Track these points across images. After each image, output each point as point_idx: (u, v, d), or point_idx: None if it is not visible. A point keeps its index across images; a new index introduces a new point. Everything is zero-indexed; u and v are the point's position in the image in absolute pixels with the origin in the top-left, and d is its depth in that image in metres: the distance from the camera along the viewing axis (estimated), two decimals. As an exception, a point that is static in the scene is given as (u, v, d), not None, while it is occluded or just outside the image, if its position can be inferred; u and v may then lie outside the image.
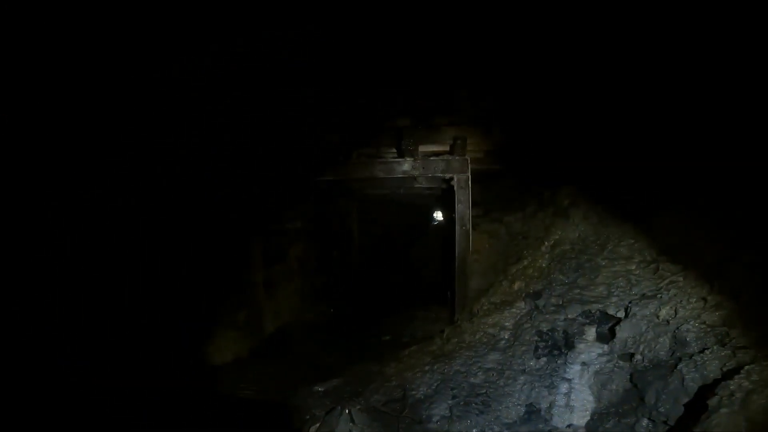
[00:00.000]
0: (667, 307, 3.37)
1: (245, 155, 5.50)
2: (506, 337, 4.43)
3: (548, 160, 5.56)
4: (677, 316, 3.27)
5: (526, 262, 4.95)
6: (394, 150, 5.50)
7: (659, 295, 3.55)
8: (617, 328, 3.68)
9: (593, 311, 3.99)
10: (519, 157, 5.97)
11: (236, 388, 4.86)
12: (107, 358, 4.20)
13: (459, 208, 5.28)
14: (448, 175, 5.30)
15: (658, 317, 3.40)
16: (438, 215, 10.51)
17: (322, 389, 4.64)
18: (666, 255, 3.88)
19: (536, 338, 4.14)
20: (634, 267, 4.07)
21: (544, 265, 4.73)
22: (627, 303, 3.76)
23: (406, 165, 5.42)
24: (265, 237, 6.38)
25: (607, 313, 3.92)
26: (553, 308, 4.26)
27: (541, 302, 4.38)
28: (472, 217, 6.74)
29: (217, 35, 3.30)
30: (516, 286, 4.83)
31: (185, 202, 5.26)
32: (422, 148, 5.65)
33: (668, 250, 3.90)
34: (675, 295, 3.43)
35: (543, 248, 4.86)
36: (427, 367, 4.55)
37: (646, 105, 4.25)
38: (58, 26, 2.80)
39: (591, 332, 3.89)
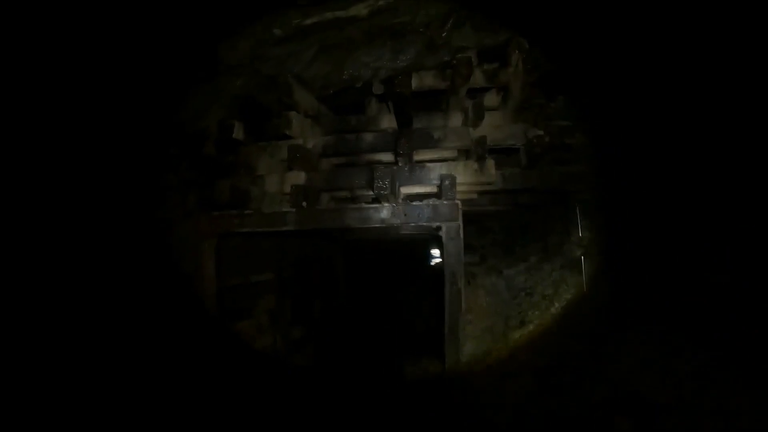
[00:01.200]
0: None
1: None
2: (505, 422, 3.44)
3: (553, 197, 4.70)
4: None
5: (531, 327, 4.00)
6: (371, 192, 4.65)
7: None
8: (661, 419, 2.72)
9: (623, 395, 3.03)
10: (517, 195, 5.12)
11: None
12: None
13: (449, 262, 4.36)
14: (435, 224, 4.41)
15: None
16: (433, 256, 9.61)
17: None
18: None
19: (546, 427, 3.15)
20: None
21: (554, 331, 3.79)
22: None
23: (385, 212, 4.53)
24: (224, 290, 5.43)
25: (645, 399, 2.96)
26: (568, 388, 3.29)
27: (552, 380, 3.41)
28: (466, 264, 5.82)
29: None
30: (520, 356, 3.87)
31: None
32: (405, 190, 4.80)
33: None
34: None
35: (553, 310, 3.92)
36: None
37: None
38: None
39: (624, 425, 2.92)
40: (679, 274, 3.49)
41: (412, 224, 4.48)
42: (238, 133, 5.10)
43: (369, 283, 10.47)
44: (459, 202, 4.38)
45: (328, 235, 8.66)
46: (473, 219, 6.39)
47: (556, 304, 3.94)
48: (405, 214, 4.47)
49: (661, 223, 3.80)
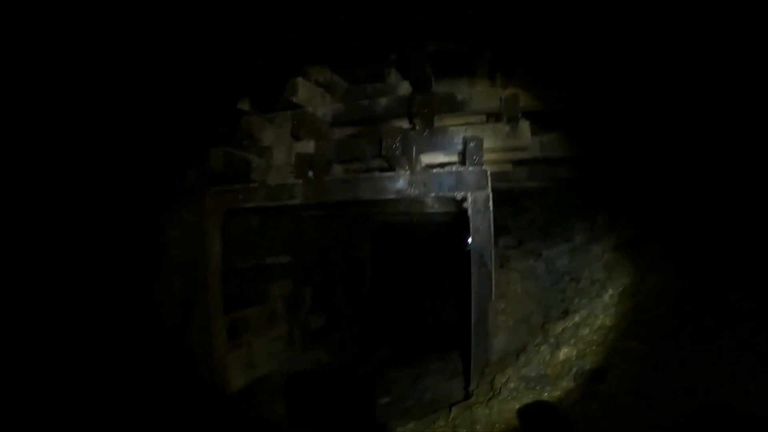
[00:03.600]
0: None
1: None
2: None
3: (604, 170, 3.82)
4: None
5: (577, 318, 3.16)
6: (386, 163, 3.93)
7: None
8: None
9: (706, 408, 2.18)
10: (557, 167, 4.26)
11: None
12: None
13: (476, 240, 3.58)
14: (459, 194, 3.63)
15: None
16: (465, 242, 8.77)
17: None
18: None
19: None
20: None
21: (608, 323, 2.94)
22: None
23: (401, 182, 3.79)
24: (231, 273, 4.85)
25: (735, 411, 2.11)
26: (627, 397, 2.46)
27: (605, 387, 2.59)
28: (501, 248, 4.99)
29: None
30: (562, 354, 3.05)
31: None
32: (425, 159, 4.05)
33: None
34: None
35: (606, 298, 3.07)
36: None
37: None
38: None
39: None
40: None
41: (433, 195, 3.72)
42: (243, 104, 4.53)
43: (396, 270, 9.73)
44: (487, 168, 3.59)
45: (353, 218, 8.00)
46: (509, 198, 5.54)
47: (610, 291, 3.08)
48: (424, 184, 3.71)
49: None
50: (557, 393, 2.79)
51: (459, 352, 6.54)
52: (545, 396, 2.86)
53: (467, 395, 4.16)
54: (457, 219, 6.77)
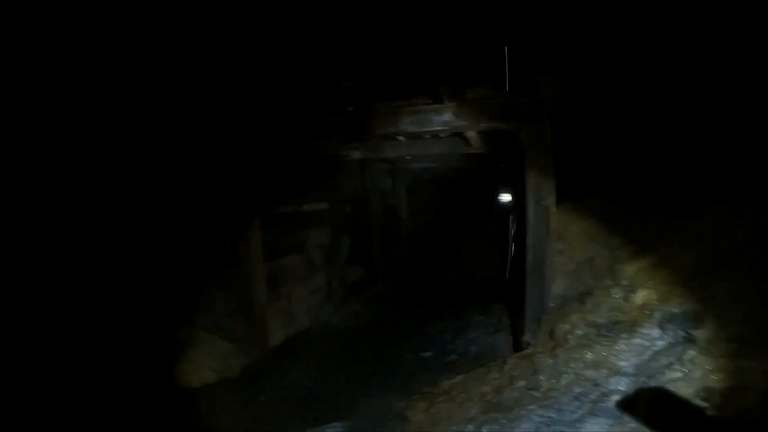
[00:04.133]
0: None
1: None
2: (622, 389, 2.31)
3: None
4: None
5: (655, 257, 2.75)
6: (431, 100, 3.49)
7: None
8: None
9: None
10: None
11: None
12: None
13: (532, 175, 3.17)
14: (512, 125, 3.19)
15: None
16: (504, 194, 8.32)
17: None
18: None
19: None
20: None
21: (694, 261, 2.52)
22: None
23: (447, 114, 3.36)
24: (270, 221, 4.63)
25: None
26: (728, 344, 2.08)
27: (700, 332, 2.21)
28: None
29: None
30: (639, 297, 2.67)
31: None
32: (471, 94, 3.59)
33: None
34: None
35: (690, 232, 2.64)
36: (470, 427, 2.59)
37: None
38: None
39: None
40: None
41: (483, 127, 3.29)
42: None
43: (433, 222, 9.37)
44: (543, 97, 3.12)
45: (390, 169, 7.65)
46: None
47: (693, 225, 2.64)
48: (471, 115, 3.28)
49: None
50: (637, 341, 2.43)
51: (504, 305, 6.24)
52: (620, 345, 2.51)
53: (520, 346, 3.88)
54: (502, 158, 6.27)
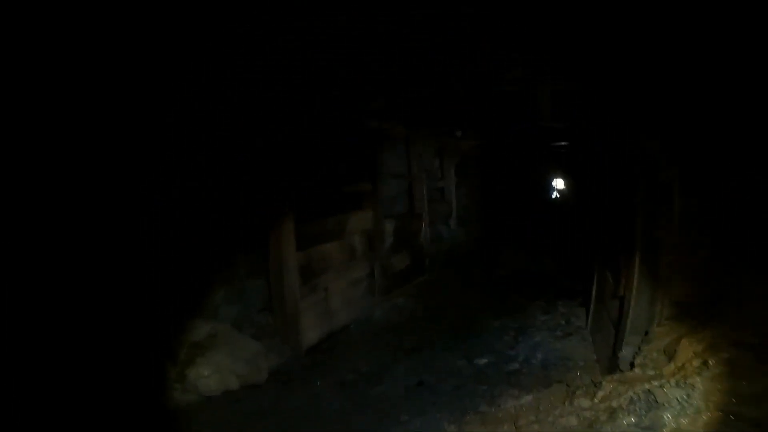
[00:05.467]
0: None
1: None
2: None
3: None
4: None
5: None
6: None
7: None
8: None
9: None
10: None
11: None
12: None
13: (648, 143, 2.29)
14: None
15: None
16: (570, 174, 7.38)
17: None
18: None
19: None
20: None
21: None
22: None
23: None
24: (305, 203, 3.95)
25: None
26: None
27: None
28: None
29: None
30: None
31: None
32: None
33: None
34: None
35: None
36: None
37: None
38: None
39: None
40: None
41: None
42: None
43: (484, 208, 8.45)
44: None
45: (438, 148, 6.82)
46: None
47: None
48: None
49: None
50: None
51: (572, 302, 5.36)
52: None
53: (609, 363, 3.04)
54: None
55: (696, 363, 2.14)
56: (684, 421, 1.95)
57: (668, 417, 2.02)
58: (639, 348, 2.66)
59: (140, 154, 2.90)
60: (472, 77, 3.44)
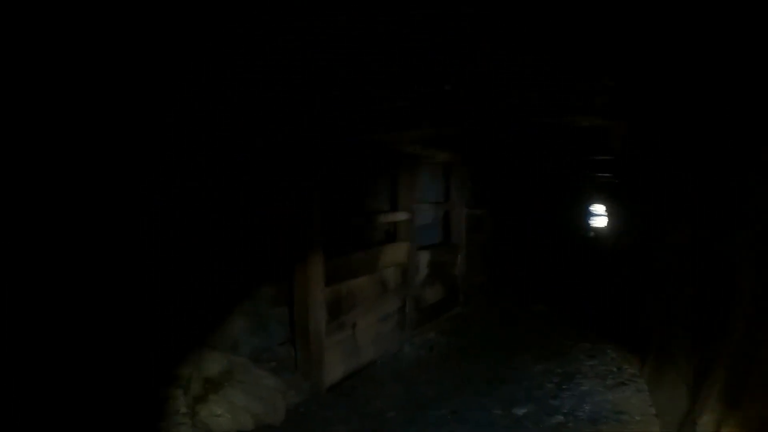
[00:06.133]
0: None
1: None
2: None
3: None
4: None
5: None
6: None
7: None
8: None
9: None
10: None
11: None
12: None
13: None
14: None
15: None
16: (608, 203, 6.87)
17: None
18: None
19: None
20: None
21: None
22: None
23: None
24: (336, 234, 3.75)
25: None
26: None
27: None
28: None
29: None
30: None
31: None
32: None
33: None
34: None
35: None
36: None
37: None
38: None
39: None
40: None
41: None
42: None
43: (523, 239, 8.00)
44: None
45: (476, 175, 6.49)
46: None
47: None
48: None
49: None
50: None
51: (622, 347, 4.85)
52: None
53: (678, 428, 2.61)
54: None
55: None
56: None
57: None
58: (723, 415, 2.23)
59: (150, 164, 2.80)
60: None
